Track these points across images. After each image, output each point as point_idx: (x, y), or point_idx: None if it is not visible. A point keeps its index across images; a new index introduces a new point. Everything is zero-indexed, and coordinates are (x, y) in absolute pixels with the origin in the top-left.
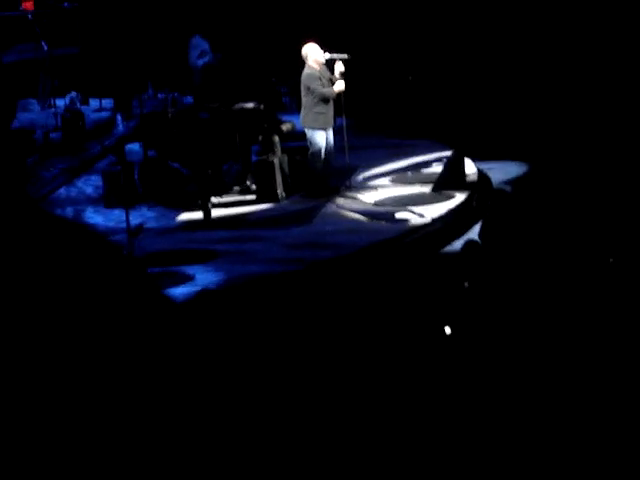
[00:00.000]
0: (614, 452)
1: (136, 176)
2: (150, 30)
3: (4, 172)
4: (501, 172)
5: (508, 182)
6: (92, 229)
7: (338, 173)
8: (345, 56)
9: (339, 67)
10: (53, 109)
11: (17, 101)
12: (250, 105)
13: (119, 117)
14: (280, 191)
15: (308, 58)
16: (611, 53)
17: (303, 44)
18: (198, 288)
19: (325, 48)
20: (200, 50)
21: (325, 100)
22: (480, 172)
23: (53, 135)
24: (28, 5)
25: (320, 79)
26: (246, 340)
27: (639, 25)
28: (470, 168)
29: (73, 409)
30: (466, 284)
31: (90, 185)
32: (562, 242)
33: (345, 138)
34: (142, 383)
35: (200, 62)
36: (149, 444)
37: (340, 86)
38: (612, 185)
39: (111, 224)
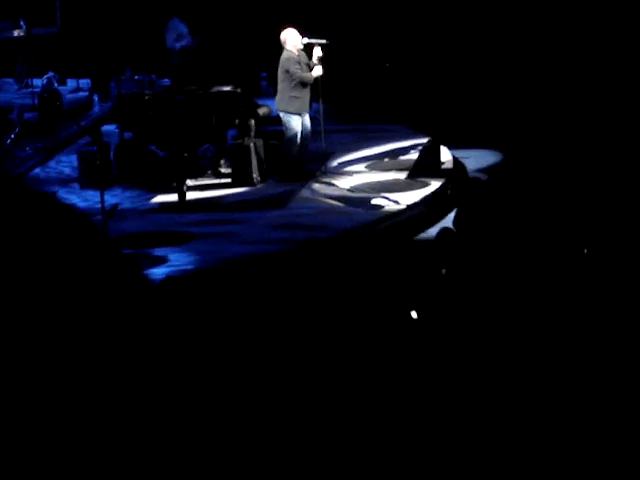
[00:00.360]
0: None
1: (112, 157)
2: (129, 11)
3: None
4: (476, 160)
5: (483, 170)
6: (71, 207)
7: (314, 158)
8: (323, 41)
9: (317, 52)
10: (30, 88)
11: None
12: (227, 88)
13: (96, 98)
14: (255, 175)
15: (286, 43)
16: (584, 44)
17: (282, 29)
18: (172, 270)
19: (303, 33)
20: (177, 33)
21: (302, 84)
22: (455, 160)
23: (30, 115)
24: None
25: (299, 63)
26: (221, 322)
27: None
28: (446, 156)
29: (55, 393)
30: (443, 271)
31: (66, 165)
32: (536, 231)
33: (322, 123)
34: (124, 367)
35: (177, 45)
36: (136, 433)
37: (318, 71)
38: (586, 175)
39: (86, 204)
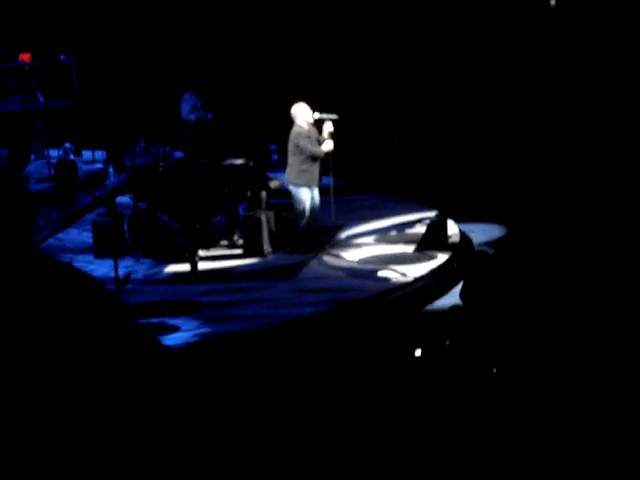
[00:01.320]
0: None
1: (126, 228)
2: (143, 84)
3: (15, 217)
4: (482, 234)
5: (489, 244)
6: (87, 275)
7: (323, 230)
8: (334, 116)
9: (328, 127)
10: (47, 159)
11: (31, 148)
12: (239, 161)
13: (111, 169)
14: (266, 246)
15: (297, 117)
16: (584, 117)
17: (293, 103)
18: (184, 340)
19: (315, 108)
20: (192, 105)
21: (313, 158)
22: (462, 233)
23: (46, 185)
24: (25, 57)
25: (309, 138)
26: (228, 392)
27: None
28: (452, 229)
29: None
30: (447, 342)
31: (80, 235)
32: (541, 305)
33: (332, 196)
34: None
35: (193, 117)
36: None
37: (328, 146)
38: (592, 248)
39: (99, 274)
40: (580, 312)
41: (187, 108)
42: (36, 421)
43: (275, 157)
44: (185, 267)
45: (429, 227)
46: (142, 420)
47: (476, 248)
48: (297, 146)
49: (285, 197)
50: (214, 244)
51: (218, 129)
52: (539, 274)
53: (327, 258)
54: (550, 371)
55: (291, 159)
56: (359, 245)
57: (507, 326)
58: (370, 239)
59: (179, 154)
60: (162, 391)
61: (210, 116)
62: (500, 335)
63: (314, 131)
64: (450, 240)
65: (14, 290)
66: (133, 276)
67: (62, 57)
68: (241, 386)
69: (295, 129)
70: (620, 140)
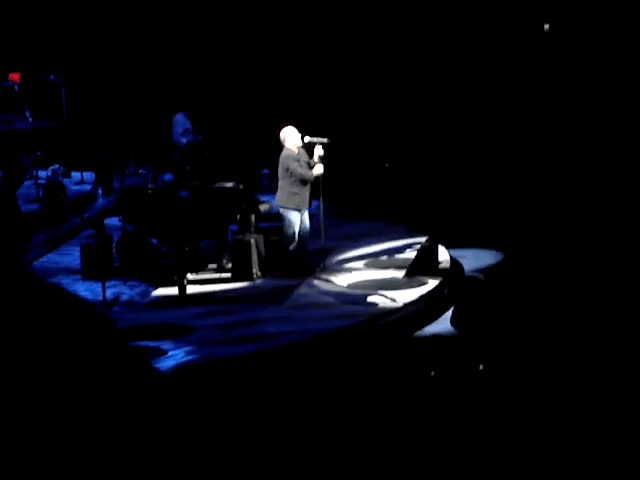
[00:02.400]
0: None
1: (114, 250)
2: (134, 106)
3: (10, 237)
4: (473, 260)
5: (480, 270)
6: (78, 297)
7: (313, 254)
8: (324, 140)
9: (318, 151)
10: (35, 180)
11: (26, 168)
12: (229, 185)
13: (100, 191)
14: (255, 270)
15: (286, 141)
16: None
17: (282, 127)
18: (172, 363)
19: (306, 132)
20: (184, 128)
21: (302, 182)
22: (452, 259)
23: (34, 206)
24: (15, 77)
25: (298, 161)
26: (217, 416)
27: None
28: (443, 255)
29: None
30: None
31: (68, 257)
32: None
33: (321, 220)
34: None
35: (184, 140)
36: None
37: (318, 170)
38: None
39: (88, 296)
40: (573, 338)
41: (179, 130)
42: (28, 440)
43: (265, 181)
44: (173, 290)
45: (419, 252)
46: (133, 439)
47: (467, 274)
48: (287, 169)
49: (274, 221)
50: (203, 267)
51: (208, 150)
52: (531, 300)
53: (316, 282)
54: (542, 392)
55: (281, 182)
56: (349, 270)
57: (498, 350)
58: (360, 264)
59: (169, 176)
60: (152, 412)
61: (200, 139)
62: (490, 359)
63: (304, 154)
64: (440, 266)
65: (5, 311)
66: (121, 299)
67: (51, 77)
68: (229, 410)
69: (284, 152)
70: (611, 166)
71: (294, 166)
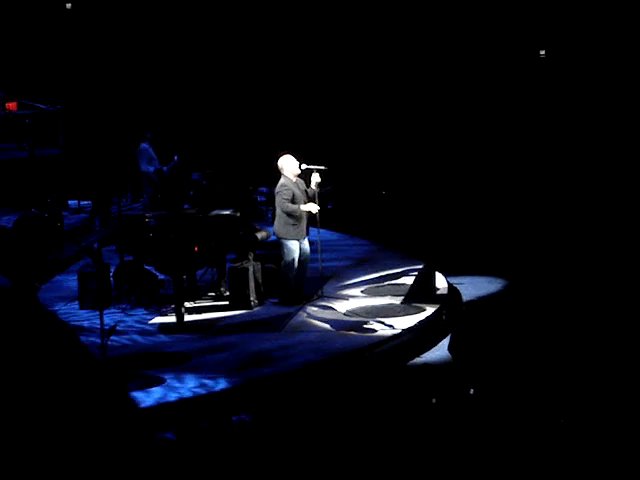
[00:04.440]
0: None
1: (111, 278)
2: (131, 135)
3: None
4: (471, 287)
5: (478, 297)
6: (66, 327)
7: (311, 282)
8: (322, 167)
9: (315, 178)
10: (32, 208)
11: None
12: (226, 212)
13: (97, 220)
14: (253, 298)
15: (284, 169)
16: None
17: (280, 155)
18: (168, 392)
19: (303, 160)
20: (148, 156)
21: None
22: (450, 286)
23: None
24: (11, 106)
25: (293, 191)
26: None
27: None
28: (440, 282)
29: None
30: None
31: (66, 285)
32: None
33: (319, 248)
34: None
35: (151, 168)
36: None
37: (310, 207)
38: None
39: (85, 324)
40: (572, 365)
41: (145, 160)
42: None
43: (262, 208)
44: (171, 318)
45: (417, 279)
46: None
47: (465, 301)
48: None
49: (272, 248)
50: (200, 295)
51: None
52: (529, 327)
53: (314, 310)
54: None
55: (278, 211)
56: (347, 297)
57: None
58: (358, 291)
59: (139, 205)
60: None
61: (165, 169)
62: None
63: (301, 183)
64: (438, 292)
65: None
66: (118, 327)
67: (48, 106)
68: (227, 439)
69: (281, 181)
70: (607, 192)
71: (281, 199)
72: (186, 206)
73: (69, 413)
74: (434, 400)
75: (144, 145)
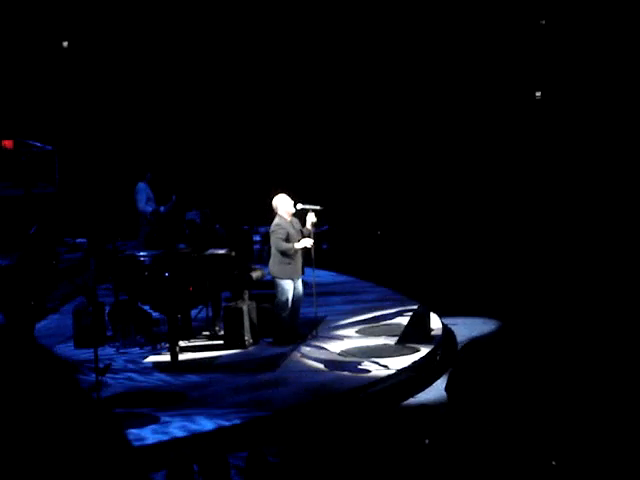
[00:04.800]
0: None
1: (106, 317)
2: (126, 174)
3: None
4: (465, 327)
5: (473, 338)
6: (67, 365)
7: (305, 322)
8: (317, 207)
9: (311, 218)
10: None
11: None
12: (221, 252)
13: (92, 259)
14: (247, 337)
15: (279, 209)
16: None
17: (275, 194)
18: (164, 431)
19: (299, 200)
20: (147, 196)
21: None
22: (445, 327)
23: None
24: (7, 143)
25: (288, 230)
26: None
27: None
28: (435, 323)
29: None
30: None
31: (61, 324)
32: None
33: (314, 288)
34: None
35: (149, 209)
36: None
37: (305, 243)
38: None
39: (79, 361)
40: (569, 404)
41: (143, 199)
42: None
43: (257, 247)
44: (166, 357)
45: (411, 319)
46: None
47: (459, 341)
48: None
49: (266, 288)
50: (195, 334)
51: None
52: (527, 366)
53: (308, 350)
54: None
55: (273, 250)
56: (341, 337)
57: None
58: (352, 331)
59: (134, 244)
60: None
61: (163, 209)
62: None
63: (296, 222)
64: (433, 333)
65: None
66: (113, 366)
67: (44, 145)
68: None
69: (276, 220)
70: (604, 228)
71: (275, 238)
72: (181, 245)
73: (64, 451)
74: (427, 441)
75: (142, 185)
